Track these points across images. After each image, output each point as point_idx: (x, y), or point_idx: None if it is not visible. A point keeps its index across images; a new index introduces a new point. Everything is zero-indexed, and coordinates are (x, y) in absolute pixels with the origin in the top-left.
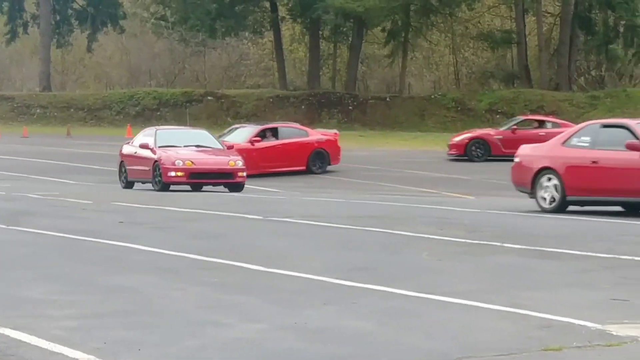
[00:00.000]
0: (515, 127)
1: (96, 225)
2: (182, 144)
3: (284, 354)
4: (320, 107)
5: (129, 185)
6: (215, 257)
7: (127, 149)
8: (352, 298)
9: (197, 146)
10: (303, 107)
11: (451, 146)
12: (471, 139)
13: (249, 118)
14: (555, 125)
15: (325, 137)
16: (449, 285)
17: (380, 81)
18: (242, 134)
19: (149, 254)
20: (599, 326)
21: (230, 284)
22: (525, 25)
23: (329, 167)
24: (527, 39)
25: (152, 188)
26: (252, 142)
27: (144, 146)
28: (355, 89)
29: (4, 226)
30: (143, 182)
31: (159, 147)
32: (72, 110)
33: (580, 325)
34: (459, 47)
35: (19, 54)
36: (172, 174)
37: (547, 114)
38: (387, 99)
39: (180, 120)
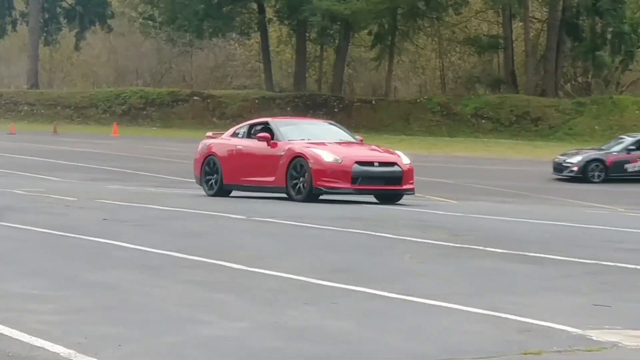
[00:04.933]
0: None
1: (80, 222)
2: None
3: (263, 353)
4: (306, 109)
5: None
6: (198, 255)
7: None
8: (333, 298)
9: None
10: (289, 108)
11: None
12: None
13: (234, 119)
14: None
15: None
16: (430, 288)
17: (366, 84)
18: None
19: (132, 251)
20: (579, 331)
21: (212, 282)
22: (512, 31)
23: None
24: (514, 45)
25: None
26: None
27: None
28: (341, 91)
29: None
30: None
31: None
32: (59, 107)
33: (561, 330)
34: (446, 51)
35: (7, 51)
36: None
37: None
38: (373, 102)
39: (165, 120)
